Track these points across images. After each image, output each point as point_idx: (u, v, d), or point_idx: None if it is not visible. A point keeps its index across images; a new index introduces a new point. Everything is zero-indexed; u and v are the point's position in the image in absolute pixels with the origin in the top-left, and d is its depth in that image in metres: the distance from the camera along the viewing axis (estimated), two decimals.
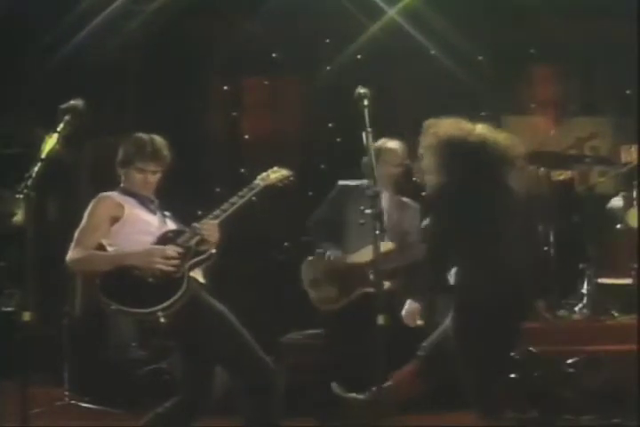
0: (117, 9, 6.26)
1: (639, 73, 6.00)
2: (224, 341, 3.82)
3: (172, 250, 3.80)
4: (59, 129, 3.52)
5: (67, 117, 3.55)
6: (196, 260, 3.85)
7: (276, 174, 4.22)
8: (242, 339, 3.82)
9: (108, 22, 6.25)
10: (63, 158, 3.67)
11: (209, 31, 6.50)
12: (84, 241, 3.85)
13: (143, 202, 3.99)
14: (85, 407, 5.36)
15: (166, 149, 3.98)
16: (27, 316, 3.36)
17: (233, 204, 3.98)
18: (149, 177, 3.98)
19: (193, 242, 3.86)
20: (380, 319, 3.46)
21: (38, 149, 3.50)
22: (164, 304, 3.70)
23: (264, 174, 4.20)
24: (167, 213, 4.09)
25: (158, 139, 3.98)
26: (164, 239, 3.88)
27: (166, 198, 4.06)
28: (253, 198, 4.05)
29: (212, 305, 3.87)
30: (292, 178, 4.26)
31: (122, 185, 4.02)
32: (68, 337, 5.66)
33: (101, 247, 3.88)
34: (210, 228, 3.87)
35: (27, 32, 6.26)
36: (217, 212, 3.95)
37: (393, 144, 4.93)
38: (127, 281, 3.77)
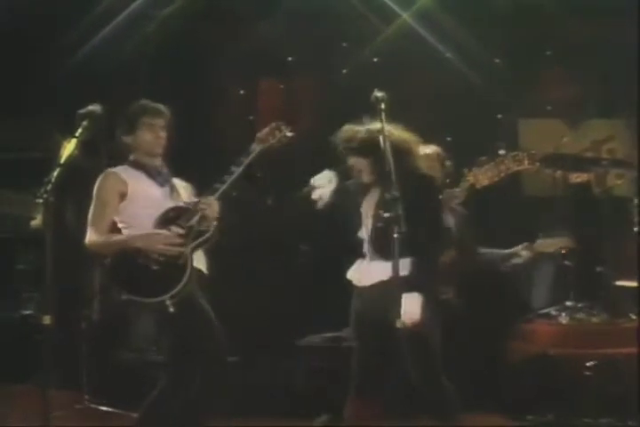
0: (134, 13, 6.27)
1: (639, 73, 5.97)
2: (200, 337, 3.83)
3: (173, 235, 3.83)
4: (77, 134, 3.55)
5: (84, 123, 3.59)
6: (198, 241, 3.87)
7: (273, 132, 4.10)
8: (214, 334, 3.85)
9: (124, 27, 6.27)
10: (81, 163, 3.69)
11: (225, 35, 6.50)
12: (97, 221, 3.93)
13: (151, 174, 4.01)
14: (104, 410, 5.38)
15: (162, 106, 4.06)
16: (47, 319, 3.39)
17: (232, 173, 3.96)
18: (160, 133, 4.01)
19: (194, 221, 3.86)
20: (399, 323, 3.54)
21: (57, 153, 3.53)
22: (172, 292, 3.74)
23: (259, 135, 4.10)
24: (179, 183, 4.09)
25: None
26: (166, 219, 3.90)
27: None
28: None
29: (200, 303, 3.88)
30: (289, 134, 4.14)
31: (131, 157, 4.04)
32: (87, 340, 5.68)
33: (114, 224, 3.95)
34: (209, 203, 3.88)
35: (43, 36, 6.28)
36: (217, 185, 3.95)
37: None
38: (135, 270, 3.82)
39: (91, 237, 3.91)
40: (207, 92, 6.58)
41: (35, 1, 6.10)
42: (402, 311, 3.69)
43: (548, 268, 6.00)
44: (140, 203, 3.94)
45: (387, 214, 3.54)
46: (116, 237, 3.92)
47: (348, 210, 4.07)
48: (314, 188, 4.14)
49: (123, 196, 3.94)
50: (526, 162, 5.10)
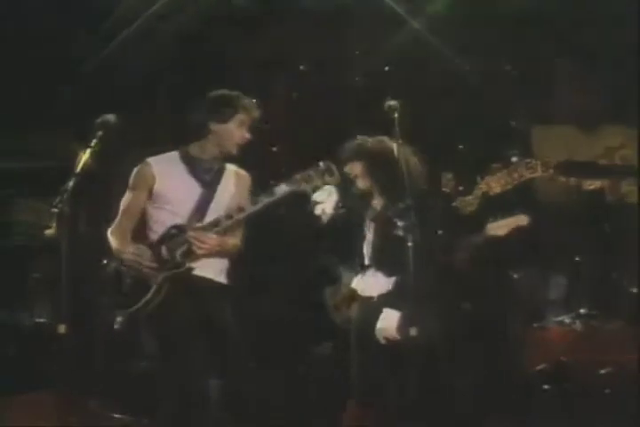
0: (149, 25, 6.29)
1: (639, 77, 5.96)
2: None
3: (146, 258, 3.64)
4: (92, 144, 3.58)
5: (100, 133, 3.60)
6: (171, 273, 3.65)
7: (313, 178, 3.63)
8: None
9: (140, 39, 6.29)
10: (97, 172, 3.71)
11: (237, 44, 6.52)
12: (121, 212, 3.82)
13: (196, 172, 3.82)
14: (118, 417, 5.40)
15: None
16: (62, 328, 3.40)
17: (242, 210, 3.65)
18: (246, 134, 3.84)
19: (179, 252, 3.65)
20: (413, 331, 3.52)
21: (73, 162, 3.56)
22: (125, 311, 3.63)
23: (298, 176, 3.65)
24: (235, 171, 3.87)
25: None
26: (167, 236, 3.72)
27: None
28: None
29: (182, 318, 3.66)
30: (334, 180, 3.69)
31: (189, 147, 3.86)
32: (102, 348, 5.71)
33: (143, 215, 3.81)
34: (202, 240, 3.63)
35: (58, 47, 6.33)
36: (221, 217, 3.67)
37: None
38: (117, 278, 3.72)
39: (111, 227, 3.81)
40: None
41: (51, 12, 6.14)
42: (377, 327, 3.77)
43: (562, 274, 6.00)
44: (165, 205, 3.78)
45: (401, 223, 3.55)
46: (115, 242, 3.77)
47: (352, 222, 4.09)
48: (315, 203, 4.12)
49: (150, 192, 3.79)
50: (540, 169, 5.13)
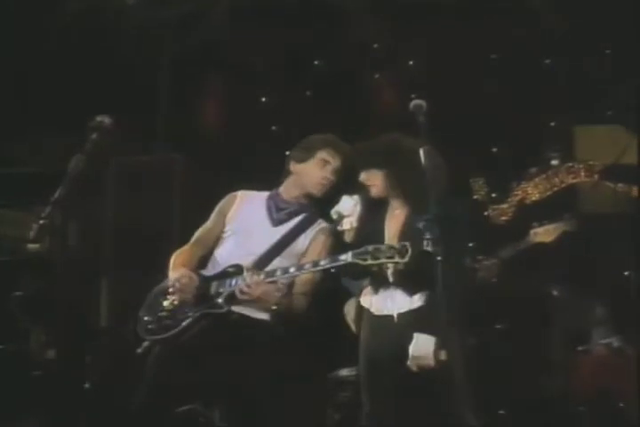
0: (151, 22, 6.33)
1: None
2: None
3: (191, 287, 3.74)
4: (85, 148, 3.54)
5: (93, 136, 3.57)
6: (209, 311, 3.74)
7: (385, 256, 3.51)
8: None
9: (141, 35, 6.32)
10: (89, 178, 3.68)
11: (246, 38, 6.52)
12: (195, 238, 3.99)
13: (270, 209, 3.95)
14: None
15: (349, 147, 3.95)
16: (51, 354, 3.39)
17: (301, 268, 3.71)
18: (330, 175, 3.90)
19: (223, 296, 3.74)
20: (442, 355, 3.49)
21: (59, 168, 3.53)
22: (145, 342, 3.72)
23: (367, 249, 3.54)
24: (321, 224, 3.92)
25: None
26: (221, 274, 3.81)
27: None
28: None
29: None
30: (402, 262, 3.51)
31: (280, 189, 3.98)
32: (92, 376, 5.69)
33: (216, 241, 3.94)
34: (253, 287, 3.68)
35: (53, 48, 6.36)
36: (278, 270, 3.72)
37: None
38: (157, 301, 3.81)
39: (183, 247, 3.98)
40: (226, 100, 6.62)
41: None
42: (411, 355, 3.64)
43: (609, 292, 5.96)
44: (227, 232, 3.92)
45: (428, 236, 3.48)
46: (172, 265, 3.90)
47: (374, 234, 3.87)
48: (342, 217, 3.96)
49: (224, 219, 3.97)
50: (583, 174, 5.08)
